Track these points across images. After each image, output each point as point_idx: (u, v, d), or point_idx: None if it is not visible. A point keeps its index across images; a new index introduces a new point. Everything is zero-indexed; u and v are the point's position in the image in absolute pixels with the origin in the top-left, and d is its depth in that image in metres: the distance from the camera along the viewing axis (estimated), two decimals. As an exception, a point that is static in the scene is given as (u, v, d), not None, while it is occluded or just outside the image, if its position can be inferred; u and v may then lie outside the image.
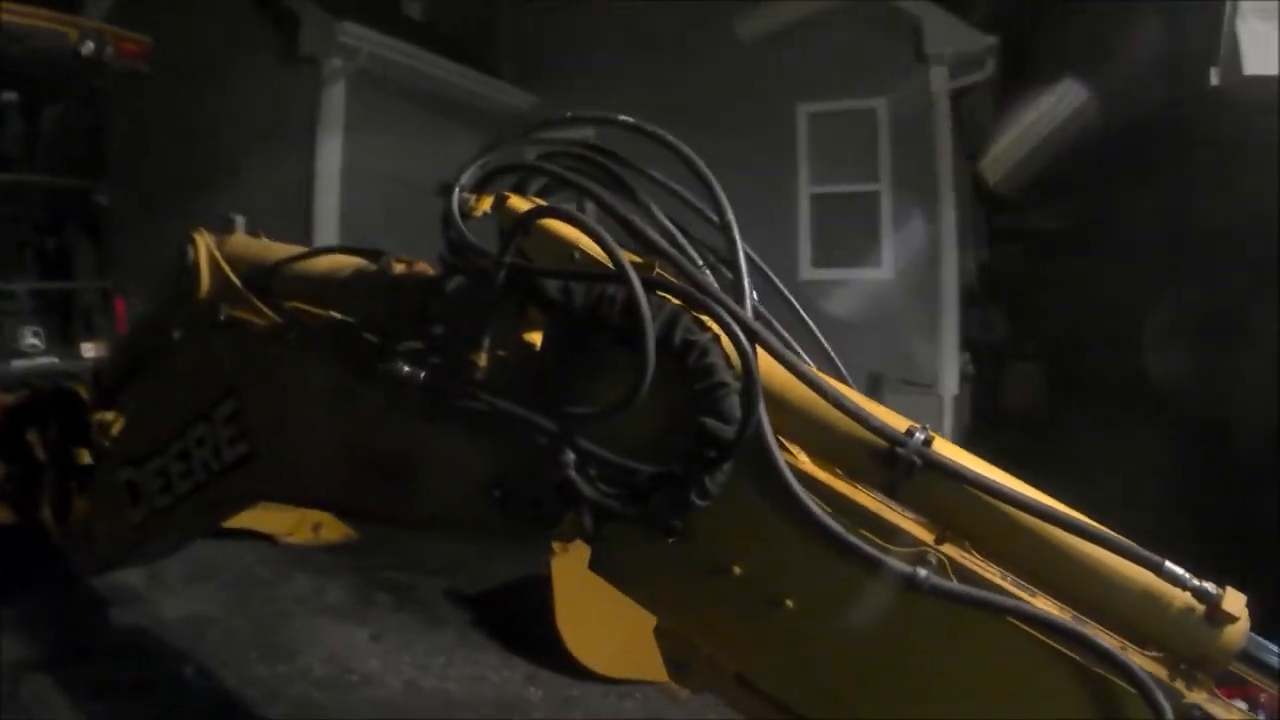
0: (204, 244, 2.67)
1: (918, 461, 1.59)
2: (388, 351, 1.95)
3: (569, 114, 1.99)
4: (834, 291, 10.97)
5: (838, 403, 1.61)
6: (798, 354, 1.73)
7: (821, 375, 1.66)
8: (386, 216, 9.52)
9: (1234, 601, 1.50)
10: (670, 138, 1.84)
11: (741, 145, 11.50)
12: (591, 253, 1.78)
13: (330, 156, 9.10)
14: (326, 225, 9.07)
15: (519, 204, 1.90)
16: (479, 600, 7.29)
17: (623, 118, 1.91)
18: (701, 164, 1.81)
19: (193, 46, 8.61)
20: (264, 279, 2.46)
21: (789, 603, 1.63)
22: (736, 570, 1.67)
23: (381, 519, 2.48)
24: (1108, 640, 1.50)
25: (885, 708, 1.64)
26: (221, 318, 2.50)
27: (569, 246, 1.80)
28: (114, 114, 6.82)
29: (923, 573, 1.54)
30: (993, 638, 1.53)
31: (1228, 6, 6.42)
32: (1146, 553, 1.51)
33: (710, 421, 1.59)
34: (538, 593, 7.25)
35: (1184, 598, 1.51)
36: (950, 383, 11.18)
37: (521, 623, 6.93)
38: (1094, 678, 1.48)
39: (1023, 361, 13.26)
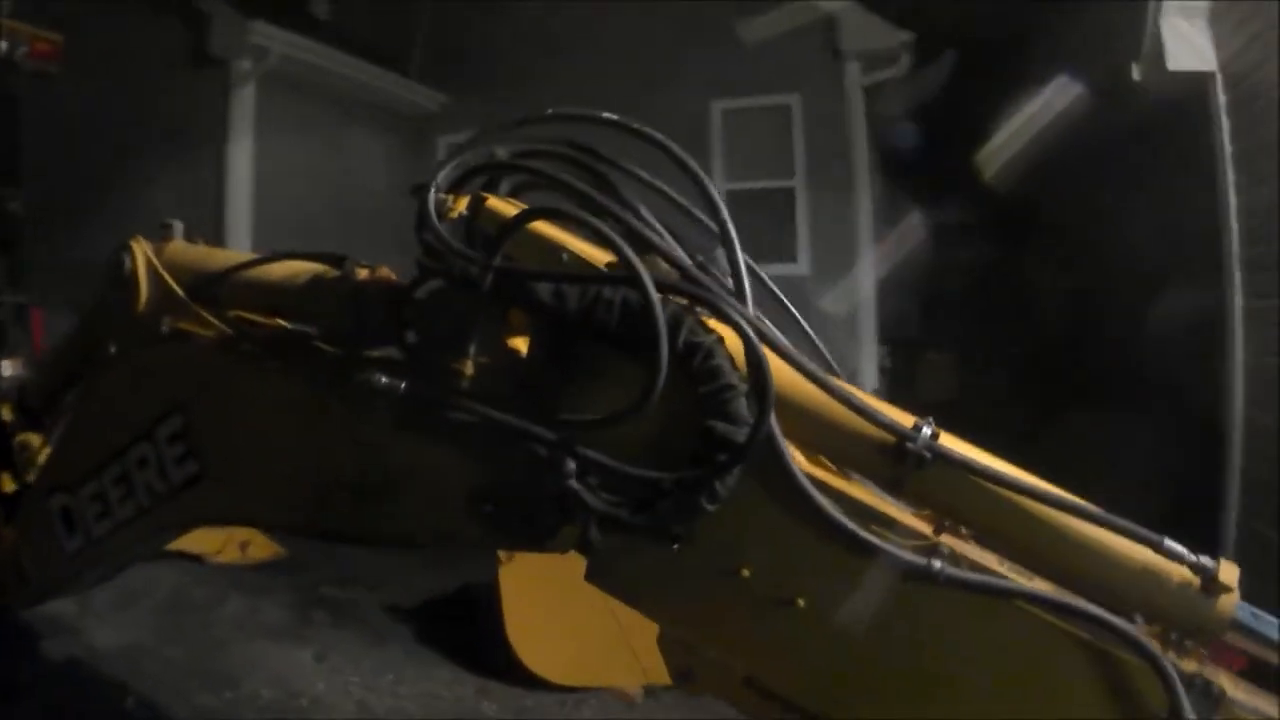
0: (141, 252, 2.49)
1: (927, 455, 1.60)
2: (358, 361, 1.85)
3: (550, 111, 1.90)
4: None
5: (847, 401, 1.60)
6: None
7: (826, 374, 1.65)
8: (299, 220, 9.25)
9: (1229, 573, 1.55)
10: (659, 136, 1.79)
11: (656, 144, 11.48)
12: (581, 254, 1.73)
13: (241, 160, 8.77)
14: (239, 230, 8.76)
15: (499, 205, 1.82)
16: (419, 613, 7.15)
17: (606, 115, 1.84)
18: (693, 163, 1.76)
19: (98, 47, 8.22)
20: (211, 288, 2.31)
21: (800, 602, 1.62)
22: (745, 573, 1.65)
23: (351, 539, 2.35)
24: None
25: (898, 698, 1.65)
26: (164, 330, 2.33)
27: (556, 248, 1.74)
28: (26, 118, 6.44)
29: (938, 564, 1.56)
30: (1003, 623, 1.55)
31: (1151, 5, 6.65)
32: (1147, 531, 1.55)
33: (720, 425, 1.56)
34: (477, 602, 7.15)
35: (1182, 572, 1.55)
36: (869, 375, 11.35)
37: (466, 635, 6.82)
38: (1099, 654, 1.51)
39: (937, 353, 13.54)
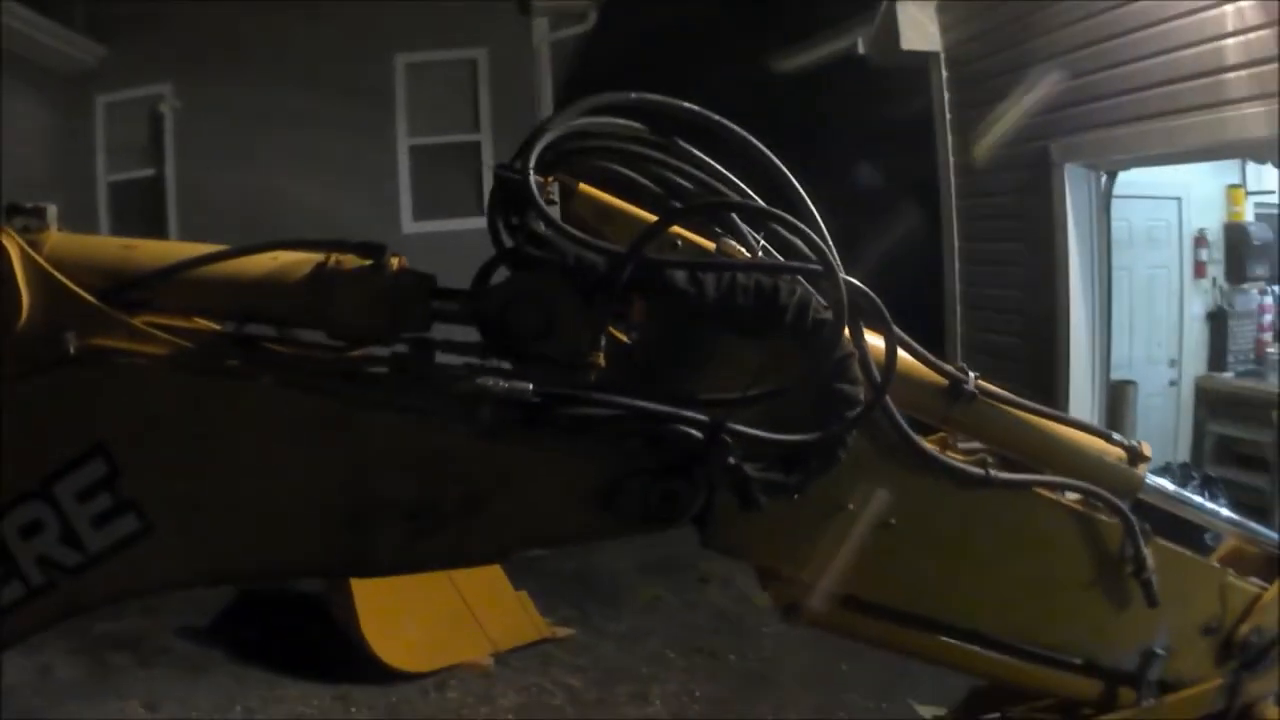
0: (16, 249, 1.82)
1: (977, 393, 1.95)
2: (455, 366, 1.70)
3: (632, 95, 1.82)
4: (438, 243, 10.87)
5: (921, 355, 1.91)
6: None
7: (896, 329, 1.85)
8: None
9: (1147, 448, 2.15)
10: (749, 136, 1.74)
11: (336, 99, 10.96)
12: (690, 241, 1.77)
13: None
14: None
15: (592, 192, 1.79)
16: (217, 631, 6.56)
17: (689, 105, 1.78)
18: (779, 164, 1.76)
19: None
20: (142, 290, 1.81)
21: (893, 520, 1.94)
22: (850, 506, 1.91)
23: (406, 568, 2.14)
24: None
25: (965, 580, 2.06)
26: (70, 349, 1.82)
27: (671, 235, 1.76)
28: None
29: (991, 471, 1.95)
30: (1025, 505, 2.03)
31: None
32: (1104, 430, 2.13)
33: (845, 386, 1.75)
34: (284, 605, 6.70)
35: (1119, 452, 2.10)
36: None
37: (281, 643, 6.40)
38: (1080, 516, 2.06)
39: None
